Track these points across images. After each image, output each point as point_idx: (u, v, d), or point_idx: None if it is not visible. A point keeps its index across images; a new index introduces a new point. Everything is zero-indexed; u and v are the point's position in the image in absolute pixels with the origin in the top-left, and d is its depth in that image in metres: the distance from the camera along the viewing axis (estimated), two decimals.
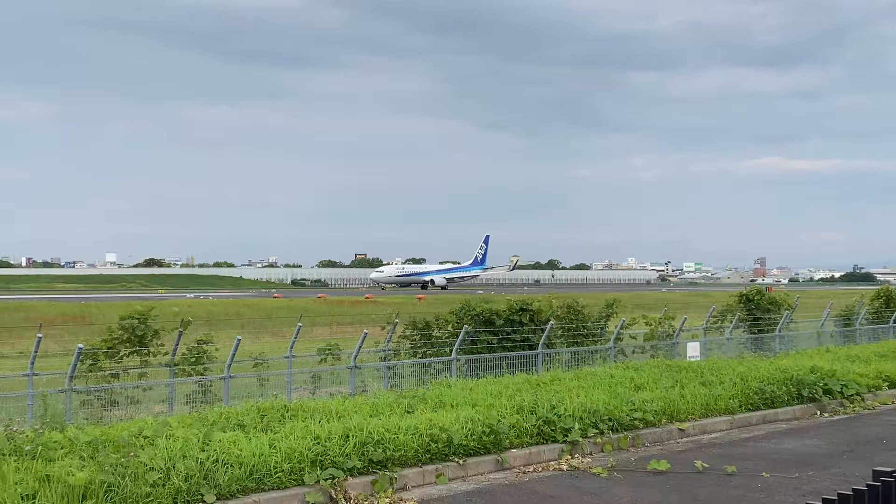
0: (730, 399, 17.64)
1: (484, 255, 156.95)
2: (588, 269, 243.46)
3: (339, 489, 11.12)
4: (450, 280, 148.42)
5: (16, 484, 9.40)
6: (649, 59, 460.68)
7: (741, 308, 29.23)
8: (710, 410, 17.10)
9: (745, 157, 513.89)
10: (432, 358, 20.22)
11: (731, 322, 28.06)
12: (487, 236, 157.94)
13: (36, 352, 14.88)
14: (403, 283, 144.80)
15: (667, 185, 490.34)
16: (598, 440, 14.52)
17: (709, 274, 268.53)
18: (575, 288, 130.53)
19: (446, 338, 20.95)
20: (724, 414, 17.29)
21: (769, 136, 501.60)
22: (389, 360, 20.03)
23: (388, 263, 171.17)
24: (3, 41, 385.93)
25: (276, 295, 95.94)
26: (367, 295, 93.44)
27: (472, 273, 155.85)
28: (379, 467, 11.80)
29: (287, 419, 12.89)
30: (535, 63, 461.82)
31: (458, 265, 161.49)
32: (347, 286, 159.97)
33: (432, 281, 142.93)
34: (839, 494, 5.06)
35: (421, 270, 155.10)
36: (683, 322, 25.84)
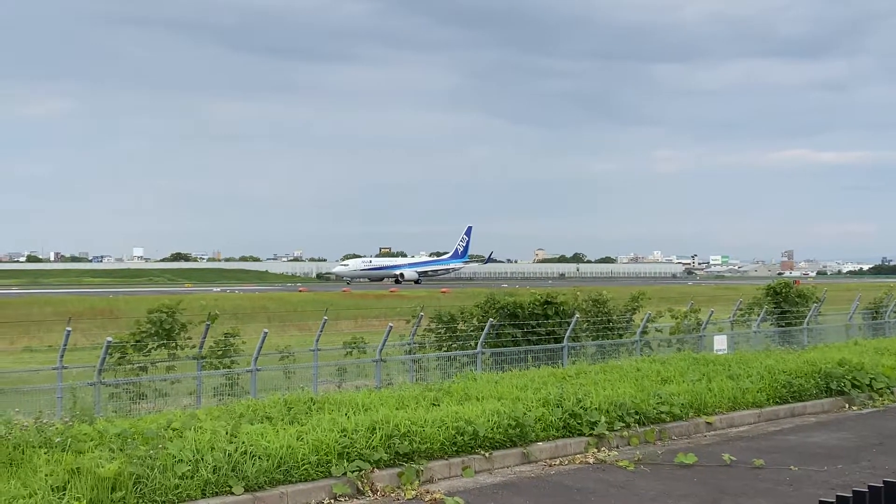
0: (757, 392, 17.54)
1: (465, 248, 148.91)
2: (613, 263, 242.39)
3: (365, 481, 11.17)
4: (423, 274, 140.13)
5: (46, 476, 9.52)
6: (672, 50, 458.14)
7: (768, 301, 29.02)
8: (737, 404, 17.02)
9: (772, 149, 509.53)
10: (457, 351, 20.21)
11: (759, 315, 27.86)
12: (469, 227, 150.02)
13: (65, 345, 15.02)
14: (374, 277, 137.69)
15: (692, 177, 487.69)
16: (625, 433, 14.47)
17: (735, 267, 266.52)
18: (600, 281, 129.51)
19: (471, 331, 20.95)
20: (751, 407, 17.20)
21: (796, 127, 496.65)
22: (415, 354, 20.06)
23: (413, 257, 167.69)
24: (32, 38, 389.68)
25: (301, 289, 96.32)
26: (391, 289, 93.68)
27: (449, 266, 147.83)
28: (405, 460, 11.83)
29: (314, 412, 12.96)
30: (558, 56, 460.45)
31: (438, 258, 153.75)
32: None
33: (402, 275, 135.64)
34: (870, 487, 5.02)
35: (391, 264, 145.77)
36: (710, 315, 25.71)
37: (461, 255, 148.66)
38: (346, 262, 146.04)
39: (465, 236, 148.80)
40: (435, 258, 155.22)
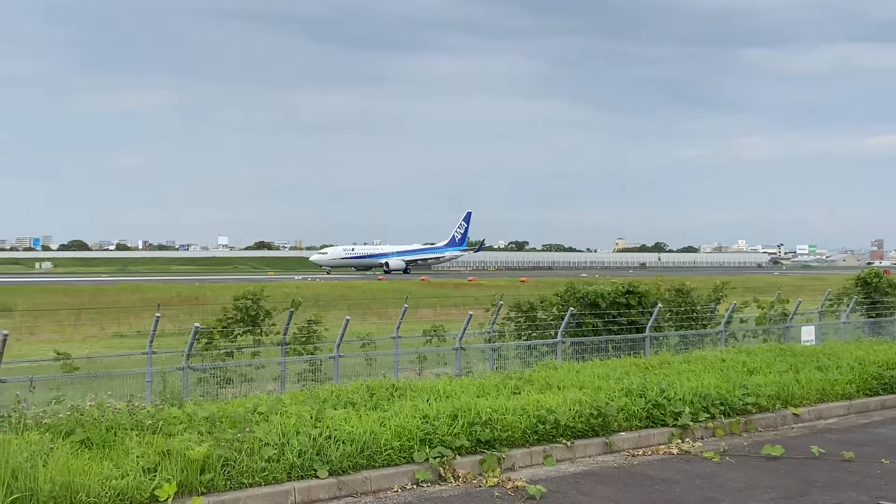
0: (847, 384, 17.10)
1: (464, 235, 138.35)
2: (696, 252, 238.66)
3: (447, 468, 11.21)
4: (410, 262, 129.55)
5: (138, 457, 9.77)
6: (760, 35, 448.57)
7: (858, 291, 28.28)
8: (825, 395, 16.61)
9: (863, 135, 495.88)
10: (537, 340, 20.12)
11: (848, 306, 27.13)
12: (469, 213, 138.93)
13: (154, 331, 15.38)
14: (359, 266, 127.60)
15: (779, 164, 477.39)
16: (710, 424, 14.24)
17: (823, 257, 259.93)
18: (682, 271, 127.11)
19: (551, 320, 20.82)
20: (840, 399, 16.78)
21: (888, 113, 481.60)
22: (494, 342, 20.03)
23: (491, 247, 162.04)
24: (123, 33, 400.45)
25: (380, 277, 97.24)
26: (470, 277, 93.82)
27: (443, 255, 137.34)
28: (487, 447, 11.83)
29: (395, 398, 13.05)
30: (642, 42, 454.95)
31: (432, 245, 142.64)
32: (451, 269, 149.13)
33: (387, 264, 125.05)
34: None
35: (375, 252, 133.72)
36: (798, 305, 25.13)
37: (458, 242, 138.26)
38: (324, 250, 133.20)
39: (463, 223, 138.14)
40: (428, 246, 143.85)
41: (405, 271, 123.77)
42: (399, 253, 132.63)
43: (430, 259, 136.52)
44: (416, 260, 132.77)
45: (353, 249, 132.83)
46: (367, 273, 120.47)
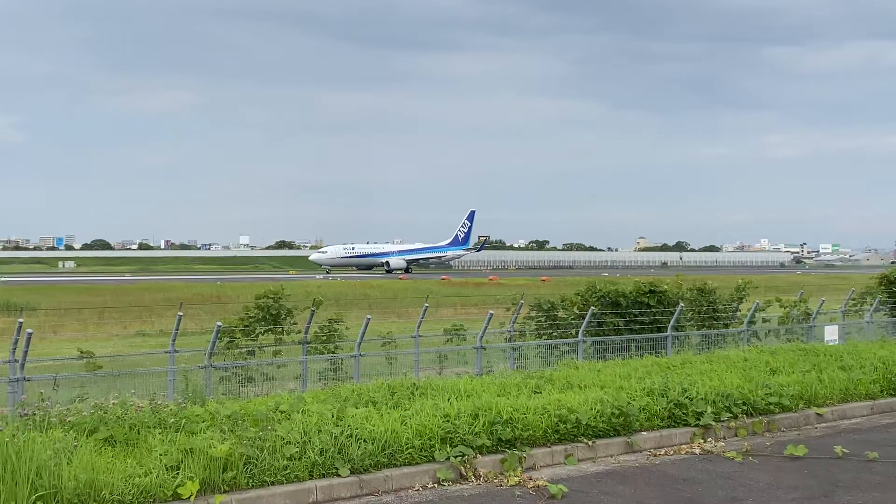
0: (871, 384, 16.97)
1: (467, 234, 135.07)
2: (718, 251, 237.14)
3: (468, 467, 11.21)
4: (412, 262, 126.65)
5: (161, 455, 9.83)
6: (786, 33, 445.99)
7: (882, 291, 28.04)
8: (849, 395, 16.50)
9: (888, 133, 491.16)
10: (558, 339, 20.09)
11: (871, 305, 26.91)
12: (472, 212, 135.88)
13: (177, 330, 15.47)
14: (361, 265, 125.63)
15: (803, 163, 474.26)
16: (732, 424, 14.17)
17: (847, 256, 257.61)
18: (704, 270, 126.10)
19: (572, 319, 20.78)
20: (864, 399, 16.66)
21: None
22: (514, 341, 20.01)
23: (512, 246, 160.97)
24: (146, 33, 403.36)
25: (400, 277, 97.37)
26: (490, 277, 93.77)
27: (445, 254, 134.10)
28: (508, 446, 11.82)
29: (416, 397, 13.06)
30: (667, 40, 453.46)
31: (435, 244, 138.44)
32: (471, 268, 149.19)
33: (388, 263, 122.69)
34: None
35: (376, 251, 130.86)
36: (821, 305, 24.97)
37: (462, 241, 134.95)
38: (324, 249, 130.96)
39: (466, 221, 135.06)
40: (430, 245, 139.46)
41: (406, 270, 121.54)
42: (400, 252, 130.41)
43: (432, 258, 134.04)
44: (417, 259, 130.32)
45: (353, 248, 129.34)
46: (370, 272, 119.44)
